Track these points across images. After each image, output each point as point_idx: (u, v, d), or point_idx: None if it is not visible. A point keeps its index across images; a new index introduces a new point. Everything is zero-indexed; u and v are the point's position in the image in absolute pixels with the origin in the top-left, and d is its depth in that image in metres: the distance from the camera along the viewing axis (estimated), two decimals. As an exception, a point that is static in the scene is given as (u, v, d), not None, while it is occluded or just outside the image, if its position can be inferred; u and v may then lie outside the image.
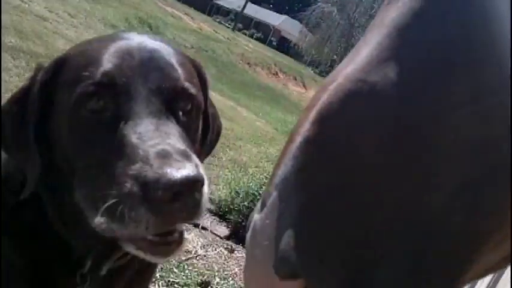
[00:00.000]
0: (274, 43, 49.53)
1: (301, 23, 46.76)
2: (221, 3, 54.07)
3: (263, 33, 49.28)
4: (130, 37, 1.01)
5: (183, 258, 2.88)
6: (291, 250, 0.47)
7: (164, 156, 0.79)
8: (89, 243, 1.04)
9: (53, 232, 1.03)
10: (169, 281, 2.56)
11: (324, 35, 43.78)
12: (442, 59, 0.48)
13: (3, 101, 1.08)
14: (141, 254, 0.87)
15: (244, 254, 3.23)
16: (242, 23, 47.27)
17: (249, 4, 46.76)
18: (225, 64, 18.50)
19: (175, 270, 2.69)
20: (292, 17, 52.43)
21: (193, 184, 0.79)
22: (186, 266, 2.78)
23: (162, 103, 0.91)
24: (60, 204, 1.01)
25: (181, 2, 40.92)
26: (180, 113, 0.95)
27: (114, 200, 0.79)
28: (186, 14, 28.39)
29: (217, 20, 44.56)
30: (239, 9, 45.84)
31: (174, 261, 2.79)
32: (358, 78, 0.50)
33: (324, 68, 46.24)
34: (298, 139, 0.50)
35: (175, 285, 2.56)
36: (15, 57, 5.70)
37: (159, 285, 2.47)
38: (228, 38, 27.22)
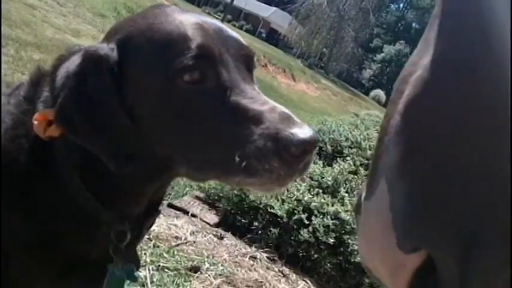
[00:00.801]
0: (264, 35, 49.41)
1: (290, 15, 46.67)
2: (211, -6, 53.83)
3: (252, 24, 49.09)
4: (178, 10, 1.04)
5: (173, 244, 2.91)
6: (409, 227, 0.53)
7: (286, 118, 0.90)
8: (127, 214, 1.07)
9: (72, 205, 1.02)
10: (159, 265, 2.59)
11: (313, 28, 43.77)
12: None
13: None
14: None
15: (233, 241, 3.28)
16: (231, 14, 47.05)
17: (239, -5, 46.63)
18: (214, 55, 18.50)
19: (165, 255, 2.72)
20: (282, 9, 52.26)
21: (315, 143, 0.89)
22: (176, 252, 2.82)
23: (245, 70, 1.00)
24: (102, 177, 1.01)
25: (170, -7, 40.71)
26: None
27: (250, 157, 0.87)
28: (175, 4, 28.10)
29: (207, 11, 44.30)
30: (228, 1, 45.64)
31: (164, 246, 2.83)
32: (438, 67, 0.54)
33: (313, 60, 46.30)
34: (392, 131, 0.55)
35: (166, 270, 2.60)
36: (4, 44, 5.67)
37: (149, 270, 2.50)
38: (217, 29, 27.13)
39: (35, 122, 0.97)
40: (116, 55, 0.95)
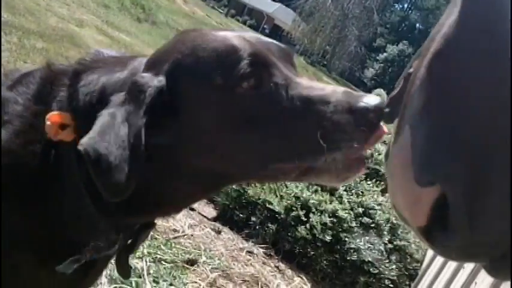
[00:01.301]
0: (267, 31, 49.28)
1: (294, 11, 46.60)
2: (215, -12, 53.72)
3: (256, 20, 48.99)
4: (211, 30, 1.08)
5: (171, 236, 2.93)
6: (425, 162, 0.60)
7: (350, 93, 0.95)
8: (125, 225, 1.10)
9: (76, 209, 1.04)
10: (156, 257, 2.61)
11: (317, 25, 43.69)
12: None
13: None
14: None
15: (230, 236, 3.29)
16: (235, 9, 47.00)
17: (244, -10, 46.55)
18: (217, 49, 18.48)
19: (162, 247, 2.73)
20: (286, 6, 52.16)
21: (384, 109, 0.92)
22: (173, 244, 2.83)
23: (291, 67, 1.05)
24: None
25: (175, -15, 40.58)
26: None
27: (333, 132, 0.91)
28: (180, -5, 28.18)
29: (210, 5, 44.24)
30: (233, -5, 45.62)
31: (161, 238, 2.84)
32: (460, 24, 0.60)
33: (316, 58, 46.25)
34: (418, 82, 0.62)
35: (163, 262, 2.61)
36: (7, 32, 5.66)
37: (146, 261, 2.51)
38: (220, 24, 27.08)
39: (48, 123, 0.97)
40: (165, 87, 0.96)
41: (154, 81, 0.95)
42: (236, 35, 1.02)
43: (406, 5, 73.73)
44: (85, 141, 0.89)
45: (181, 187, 1.04)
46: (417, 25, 69.44)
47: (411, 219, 0.64)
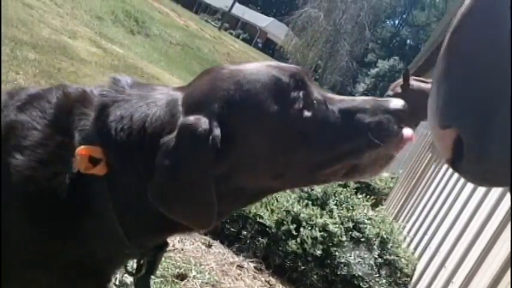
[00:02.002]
0: (260, 45, 49.58)
1: (287, 26, 46.92)
2: (209, 1, 53.94)
3: (249, 34, 49.27)
4: (236, 64, 1.15)
5: (161, 250, 2.91)
6: (444, 110, 0.78)
7: (375, 100, 1.11)
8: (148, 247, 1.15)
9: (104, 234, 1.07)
10: (146, 271, 2.59)
11: (309, 40, 44.01)
12: None
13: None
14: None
15: (221, 250, 3.28)
16: (229, 22, 47.20)
17: (237, 4, 46.72)
18: (210, 62, 18.49)
19: (152, 261, 2.72)
20: (279, 20, 52.53)
21: None
22: (163, 258, 2.81)
23: (315, 85, 1.15)
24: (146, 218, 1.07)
25: (168, -1, 40.78)
26: None
27: (381, 129, 1.07)
28: (173, 10, 28.28)
29: (204, 18, 44.43)
30: (226, 9, 45.80)
31: (152, 252, 2.82)
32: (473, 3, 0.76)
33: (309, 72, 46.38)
34: (442, 51, 0.79)
35: (152, 276, 2.59)
36: (0, 43, 5.66)
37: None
38: (214, 37, 27.21)
39: (78, 157, 0.98)
40: (218, 129, 0.99)
41: (214, 130, 0.98)
42: (266, 65, 1.10)
43: (397, 21, 74.42)
44: (155, 192, 0.96)
45: (226, 205, 1.08)
46: (408, 41, 70.07)
47: (441, 154, 0.84)
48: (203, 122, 0.97)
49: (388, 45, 68.67)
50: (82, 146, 0.99)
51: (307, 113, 1.05)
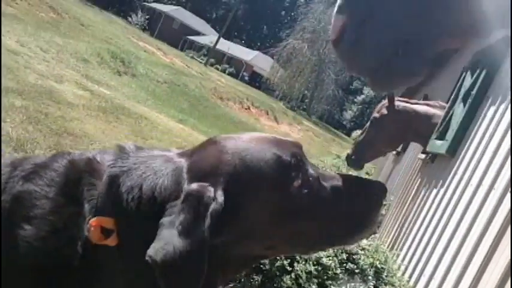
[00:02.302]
0: (246, 78, 50.04)
1: (272, 58, 47.52)
2: (194, 38, 54.62)
3: (235, 68, 49.77)
4: (240, 135, 1.21)
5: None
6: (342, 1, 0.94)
7: (360, 180, 1.23)
8: None
9: None
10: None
11: (295, 71, 44.55)
12: None
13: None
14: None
15: None
16: (214, 58, 47.71)
17: (222, 40, 47.36)
18: (197, 98, 18.64)
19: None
20: (264, 53, 53.25)
21: None
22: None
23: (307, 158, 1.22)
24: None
25: (154, 37, 41.25)
26: None
27: (370, 212, 1.18)
28: (158, 49, 28.60)
29: (190, 55, 44.87)
30: (211, 45, 46.37)
31: None
32: None
33: (296, 102, 46.83)
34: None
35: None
36: (-14, 92, 5.68)
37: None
38: (200, 73, 27.46)
39: (92, 229, 1.00)
40: (222, 197, 1.03)
41: (218, 198, 1.02)
42: (269, 141, 1.16)
43: (380, 48, 75.52)
44: (152, 252, 0.95)
45: (225, 272, 1.13)
46: (392, 67, 70.98)
47: (331, 35, 0.97)
48: (208, 189, 1.02)
49: (372, 72, 69.40)
50: (95, 218, 1.01)
51: (305, 191, 1.10)
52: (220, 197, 1.02)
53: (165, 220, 0.99)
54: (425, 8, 0.88)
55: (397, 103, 4.40)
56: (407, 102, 4.76)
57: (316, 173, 1.16)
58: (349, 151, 4.31)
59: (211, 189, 1.02)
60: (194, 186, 1.03)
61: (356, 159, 4.42)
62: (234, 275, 1.22)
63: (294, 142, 1.22)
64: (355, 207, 1.16)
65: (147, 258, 0.95)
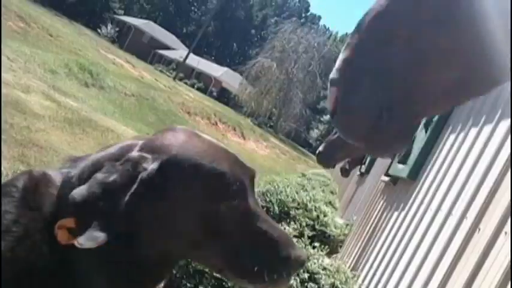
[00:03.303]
0: (215, 94, 50.10)
1: (241, 75, 47.76)
2: (163, 52, 54.45)
3: (204, 83, 49.80)
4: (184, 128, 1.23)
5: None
6: (334, 73, 1.02)
7: (288, 241, 1.18)
8: None
9: None
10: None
11: (263, 88, 44.87)
12: None
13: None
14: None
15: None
16: (183, 72, 47.66)
17: (191, 55, 47.37)
18: (165, 113, 18.53)
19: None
20: (233, 70, 53.50)
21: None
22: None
23: (252, 189, 1.22)
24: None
25: (123, 50, 40.96)
26: None
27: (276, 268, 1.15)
28: (127, 61, 28.40)
29: (159, 68, 44.71)
30: (181, 59, 46.30)
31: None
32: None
33: (263, 119, 47.11)
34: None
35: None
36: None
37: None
38: (169, 87, 27.34)
39: (58, 232, 1.02)
40: (156, 169, 1.06)
41: (153, 168, 1.06)
42: (228, 156, 1.18)
43: (347, 70, 76.87)
44: (75, 193, 1.01)
45: (147, 275, 1.14)
46: (359, 88, 72.29)
47: (328, 106, 1.06)
48: (147, 160, 1.07)
49: (339, 93, 70.49)
50: (59, 221, 1.03)
51: (230, 216, 1.12)
52: (155, 168, 1.06)
53: (98, 174, 1.04)
54: (408, 76, 0.99)
55: None
56: None
57: (253, 208, 1.16)
58: (320, 148, 4.27)
59: (150, 160, 1.07)
60: (135, 153, 1.09)
61: (327, 156, 4.39)
62: (157, 280, 1.21)
63: (250, 169, 1.23)
64: (258, 261, 1.12)
65: (69, 197, 1.00)
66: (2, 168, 4.40)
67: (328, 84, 1.04)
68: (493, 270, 1.85)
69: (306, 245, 3.77)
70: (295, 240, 3.72)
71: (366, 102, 1.00)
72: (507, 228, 1.84)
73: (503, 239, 1.85)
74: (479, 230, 2.14)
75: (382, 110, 1.00)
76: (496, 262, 1.85)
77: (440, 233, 2.76)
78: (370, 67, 0.99)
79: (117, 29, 49.51)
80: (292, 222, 4.31)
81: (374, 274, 4.04)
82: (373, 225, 4.85)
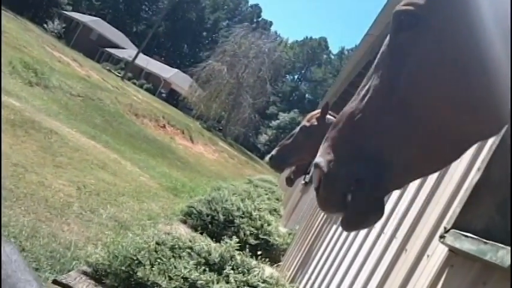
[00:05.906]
0: (164, 95, 49.65)
1: (191, 77, 47.56)
2: (112, 51, 53.43)
3: (153, 84, 49.23)
4: None
5: (56, 323, 2.86)
6: (318, 156, 1.23)
7: None
8: None
9: None
10: None
11: (213, 92, 44.85)
12: None
13: None
14: None
15: (118, 318, 3.26)
16: (132, 72, 46.95)
17: (141, 55, 46.75)
18: (112, 114, 18.23)
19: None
20: (183, 71, 53.15)
21: None
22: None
23: None
24: None
25: (70, 47, 39.91)
26: None
27: None
28: (74, 60, 27.73)
29: (107, 67, 43.86)
30: (130, 59, 45.61)
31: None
32: None
33: (212, 123, 47.06)
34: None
35: None
36: None
37: None
38: (116, 87, 26.91)
39: None
40: None
41: None
42: None
43: (296, 77, 78.28)
44: None
45: None
46: (306, 95, 73.71)
47: (313, 183, 1.23)
48: None
49: (288, 99, 71.62)
50: None
51: None
52: None
53: None
54: (379, 153, 1.15)
55: (328, 117, 4.50)
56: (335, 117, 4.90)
57: None
58: (273, 152, 4.34)
59: None
60: None
61: (279, 160, 4.43)
62: None
63: None
64: None
65: None
66: None
67: (312, 168, 1.23)
68: (414, 291, 1.97)
69: (247, 257, 3.86)
70: (236, 253, 3.80)
71: (342, 177, 1.16)
72: (430, 251, 1.97)
73: (425, 262, 1.98)
74: (406, 250, 2.27)
75: (352, 182, 1.15)
76: (417, 284, 1.98)
77: (372, 250, 2.89)
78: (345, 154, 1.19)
79: (64, 25, 48.14)
80: (234, 236, 4.37)
81: (312, 286, 4.16)
82: (313, 237, 4.98)
